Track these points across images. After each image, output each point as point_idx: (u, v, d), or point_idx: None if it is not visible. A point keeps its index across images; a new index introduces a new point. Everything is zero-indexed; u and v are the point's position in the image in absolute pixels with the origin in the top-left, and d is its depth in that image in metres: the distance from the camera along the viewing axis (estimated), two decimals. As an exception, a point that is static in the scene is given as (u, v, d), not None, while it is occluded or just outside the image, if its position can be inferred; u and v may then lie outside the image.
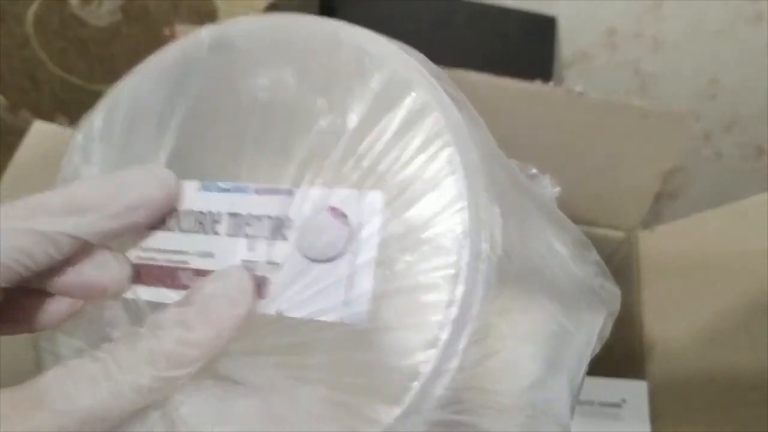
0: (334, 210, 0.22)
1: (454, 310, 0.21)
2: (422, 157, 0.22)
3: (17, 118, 0.70)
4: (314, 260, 0.22)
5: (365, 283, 0.21)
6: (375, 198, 0.22)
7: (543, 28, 0.85)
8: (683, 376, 0.42)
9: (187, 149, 0.25)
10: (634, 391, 0.44)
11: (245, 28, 0.26)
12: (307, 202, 0.23)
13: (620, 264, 0.51)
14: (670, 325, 0.44)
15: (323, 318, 0.21)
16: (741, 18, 0.83)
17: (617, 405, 0.45)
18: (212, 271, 0.23)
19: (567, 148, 0.45)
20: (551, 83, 0.41)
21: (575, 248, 0.28)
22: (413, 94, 0.23)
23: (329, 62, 0.24)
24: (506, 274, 0.22)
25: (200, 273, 0.23)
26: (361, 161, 0.23)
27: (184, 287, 0.23)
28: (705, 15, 0.83)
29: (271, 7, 0.63)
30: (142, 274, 0.24)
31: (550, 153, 0.46)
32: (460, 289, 0.21)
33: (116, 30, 0.67)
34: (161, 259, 0.24)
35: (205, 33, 0.26)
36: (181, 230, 0.24)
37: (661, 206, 1.08)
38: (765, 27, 0.83)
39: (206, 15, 0.63)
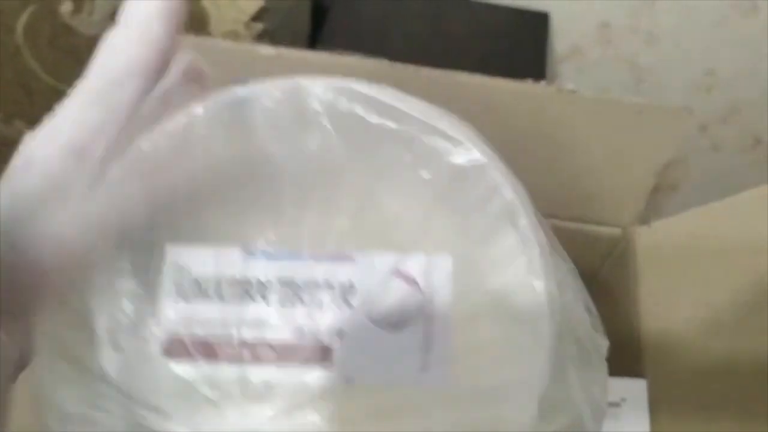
0: (403, 275, 0.22)
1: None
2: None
3: (11, 129, 0.70)
4: (385, 328, 0.21)
5: (443, 349, 0.21)
6: (445, 263, 0.21)
7: (536, 24, 0.84)
8: (682, 371, 0.42)
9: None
10: (633, 390, 0.43)
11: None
12: (373, 267, 0.22)
13: (618, 260, 0.51)
14: (668, 321, 0.44)
15: (400, 384, 0.20)
16: (736, 9, 0.82)
17: (617, 404, 0.44)
18: (263, 344, 0.21)
19: (561, 147, 0.45)
20: (543, 81, 0.41)
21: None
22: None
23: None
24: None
25: (247, 344, 0.21)
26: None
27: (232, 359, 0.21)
28: (699, 7, 0.82)
29: (262, 11, 0.62)
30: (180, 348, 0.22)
31: (545, 151, 0.46)
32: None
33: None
34: (202, 333, 0.22)
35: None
36: (223, 300, 0.22)
37: (660, 198, 1.08)
38: (760, 18, 0.82)
39: (196, 19, 0.63)
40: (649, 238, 0.48)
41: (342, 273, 0.22)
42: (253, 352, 0.21)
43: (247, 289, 0.22)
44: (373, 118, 0.23)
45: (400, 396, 0.20)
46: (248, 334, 0.22)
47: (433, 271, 0.21)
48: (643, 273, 0.47)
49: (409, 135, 0.23)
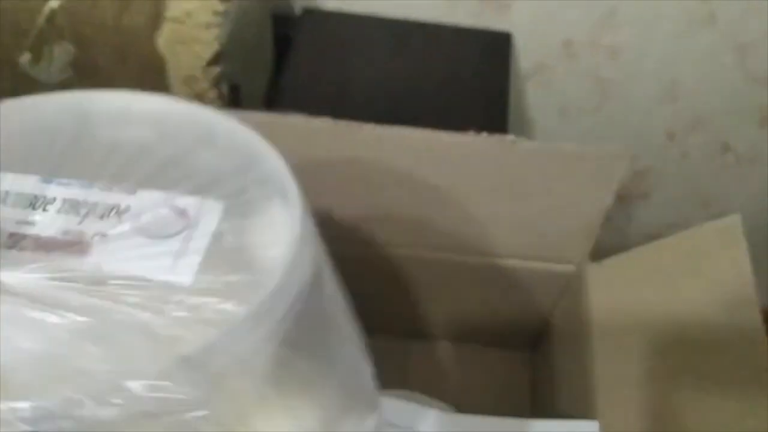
0: (174, 206, 0.27)
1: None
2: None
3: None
4: (149, 237, 0.26)
5: (193, 258, 0.25)
6: (216, 207, 0.27)
7: (498, 45, 0.85)
8: (634, 413, 0.43)
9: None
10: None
11: None
12: (149, 198, 0.27)
13: (572, 296, 0.52)
14: (619, 361, 0.45)
15: (147, 276, 0.25)
16: (694, 20, 0.83)
17: None
18: (29, 236, 0.26)
19: (509, 193, 0.46)
20: (484, 134, 0.42)
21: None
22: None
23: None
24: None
25: (14, 235, 0.27)
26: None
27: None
28: (659, 19, 0.83)
29: (218, 55, 0.63)
30: None
31: (493, 198, 0.47)
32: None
33: (68, 86, 0.67)
34: None
35: None
36: (6, 205, 0.27)
37: (633, 207, 1.09)
38: (718, 27, 0.83)
39: (154, 65, 0.63)
40: (599, 275, 0.49)
41: (122, 200, 0.27)
42: (18, 241, 0.26)
43: (32, 202, 0.28)
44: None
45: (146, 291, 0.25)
46: (17, 229, 0.27)
47: (203, 211, 0.27)
48: (594, 309, 0.48)
49: None
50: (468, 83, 0.81)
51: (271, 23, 0.82)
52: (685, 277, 0.45)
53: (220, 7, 0.61)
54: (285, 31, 0.85)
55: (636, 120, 0.95)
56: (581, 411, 0.45)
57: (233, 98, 0.67)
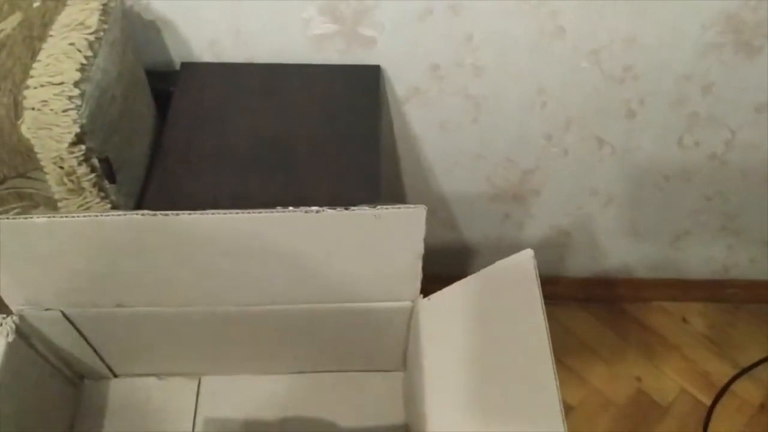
0: None
1: None
2: None
3: None
4: None
5: None
6: None
7: (369, 77, 0.90)
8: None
9: None
10: None
11: None
12: None
13: (411, 326, 0.58)
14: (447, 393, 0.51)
15: None
16: (546, 33, 0.89)
17: None
18: None
19: (336, 253, 0.51)
20: (290, 209, 0.47)
21: None
22: None
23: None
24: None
25: None
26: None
27: None
28: (513, 37, 0.89)
29: (80, 135, 0.67)
30: None
31: (328, 256, 0.52)
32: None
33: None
34: None
35: None
36: None
37: (529, 203, 1.16)
38: (568, 37, 0.89)
39: (22, 151, 0.67)
40: (428, 308, 0.55)
41: None
42: None
43: None
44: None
45: None
46: None
47: None
48: (423, 338, 0.54)
49: None
50: (343, 116, 0.86)
51: (149, 80, 0.86)
52: (487, 310, 0.51)
53: (75, 92, 0.65)
54: (165, 87, 0.89)
55: (513, 127, 1.01)
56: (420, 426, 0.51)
57: (105, 170, 0.71)
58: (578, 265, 1.30)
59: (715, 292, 1.35)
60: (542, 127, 1.02)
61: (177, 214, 0.47)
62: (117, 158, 0.74)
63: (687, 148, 1.05)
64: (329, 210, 0.47)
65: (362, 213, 0.47)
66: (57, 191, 0.70)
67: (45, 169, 0.70)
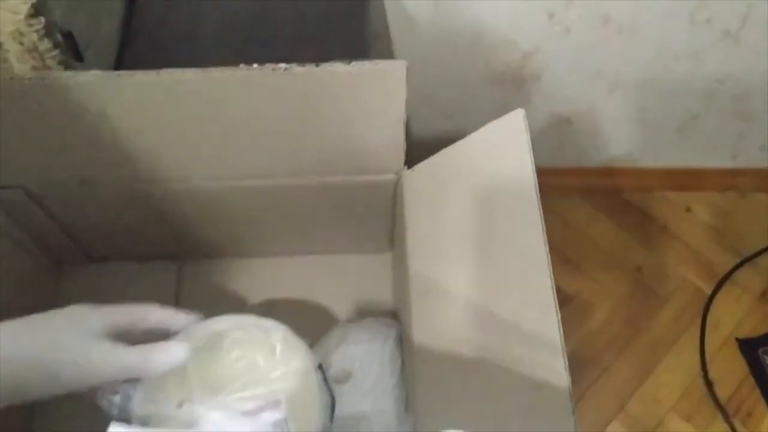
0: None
1: None
2: None
3: None
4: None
5: None
6: None
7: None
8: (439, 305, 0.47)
9: None
10: None
11: None
12: None
13: (396, 201, 0.55)
14: (430, 262, 0.48)
15: None
16: None
17: None
18: None
19: (309, 119, 0.47)
20: (255, 66, 0.43)
21: None
22: None
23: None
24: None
25: None
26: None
27: None
28: None
29: (36, 6, 0.62)
30: None
31: (297, 127, 0.48)
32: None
33: None
34: None
35: None
36: None
37: (529, 90, 1.10)
38: None
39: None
40: (412, 180, 0.51)
41: None
42: None
43: None
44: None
45: None
46: None
47: None
48: (408, 211, 0.50)
49: None
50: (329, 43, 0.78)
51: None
52: (476, 174, 0.47)
53: (27, -44, 0.59)
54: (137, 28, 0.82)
55: (512, 3, 0.95)
56: (404, 307, 0.48)
57: (70, 47, 0.66)
58: (580, 155, 1.26)
59: (722, 181, 1.31)
60: (544, 3, 0.95)
61: (134, 73, 0.43)
62: (83, 35, 0.69)
63: (698, 24, 0.98)
64: (298, 67, 0.43)
65: (334, 70, 0.43)
66: (19, 69, 0.66)
67: (5, 46, 0.65)
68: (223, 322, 0.46)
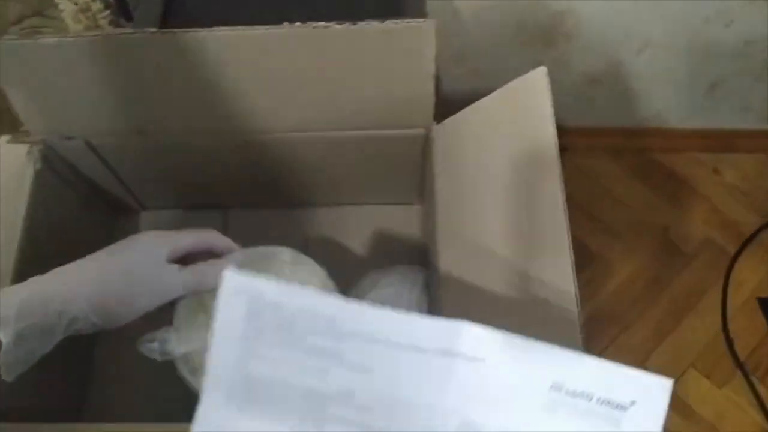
0: None
1: None
2: None
3: None
4: None
5: None
6: None
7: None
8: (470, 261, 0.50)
9: None
10: (651, 390, 0.36)
11: None
12: None
13: (425, 155, 0.58)
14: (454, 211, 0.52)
15: None
16: None
17: (622, 407, 0.36)
18: None
19: (345, 74, 0.51)
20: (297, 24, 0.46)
21: None
22: None
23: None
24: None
25: None
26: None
27: None
28: None
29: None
30: None
31: (333, 82, 0.52)
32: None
33: None
34: None
35: None
36: None
37: (558, 49, 1.12)
38: None
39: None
40: (441, 134, 0.55)
41: None
42: None
43: None
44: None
45: None
46: None
47: None
48: (437, 164, 0.54)
49: None
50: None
51: None
52: (500, 129, 0.50)
53: None
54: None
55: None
56: (432, 256, 0.52)
57: (121, 6, 0.70)
58: (609, 115, 1.28)
59: (750, 143, 1.31)
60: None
61: (184, 32, 0.47)
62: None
63: (730, -15, 0.99)
64: (336, 25, 0.46)
65: (370, 27, 0.47)
66: (73, 29, 0.70)
67: (60, 6, 0.69)
68: (239, 254, 0.51)
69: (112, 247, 0.45)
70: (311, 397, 0.37)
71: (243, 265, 0.47)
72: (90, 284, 0.43)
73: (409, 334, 0.37)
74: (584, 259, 1.21)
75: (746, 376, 1.14)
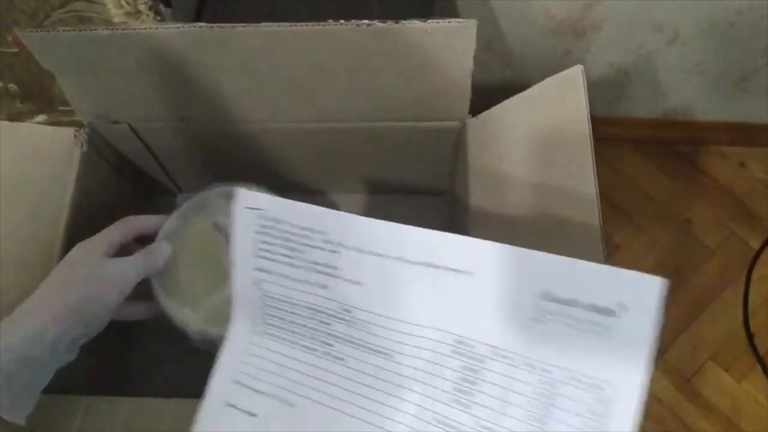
0: None
1: None
2: None
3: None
4: None
5: None
6: None
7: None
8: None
9: None
10: (640, 292, 0.32)
11: None
12: None
13: (458, 147, 0.59)
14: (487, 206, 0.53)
15: None
16: None
17: (610, 312, 0.33)
18: None
19: (385, 70, 0.52)
20: (342, 22, 0.47)
21: None
22: None
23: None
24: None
25: None
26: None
27: None
28: None
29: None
30: None
31: (372, 76, 0.53)
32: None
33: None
34: None
35: None
36: None
37: (588, 40, 1.12)
38: None
39: None
40: (476, 127, 0.56)
41: None
42: None
43: None
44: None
45: None
46: None
47: None
48: (471, 156, 0.55)
49: None
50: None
51: None
52: (535, 125, 0.51)
53: None
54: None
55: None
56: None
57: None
58: (635, 106, 1.27)
59: (779, 137, 1.31)
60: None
61: (233, 27, 0.48)
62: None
63: (764, -22, 0.98)
64: (379, 24, 0.48)
65: (412, 26, 0.48)
66: (115, 14, 0.72)
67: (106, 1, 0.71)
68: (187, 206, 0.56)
69: (52, 276, 0.46)
70: (316, 316, 0.38)
71: (181, 224, 0.54)
72: (52, 303, 0.43)
73: (398, 247, 0.37)
74: (608, 249, 1.21)
75: (765, 371, 1.15)
